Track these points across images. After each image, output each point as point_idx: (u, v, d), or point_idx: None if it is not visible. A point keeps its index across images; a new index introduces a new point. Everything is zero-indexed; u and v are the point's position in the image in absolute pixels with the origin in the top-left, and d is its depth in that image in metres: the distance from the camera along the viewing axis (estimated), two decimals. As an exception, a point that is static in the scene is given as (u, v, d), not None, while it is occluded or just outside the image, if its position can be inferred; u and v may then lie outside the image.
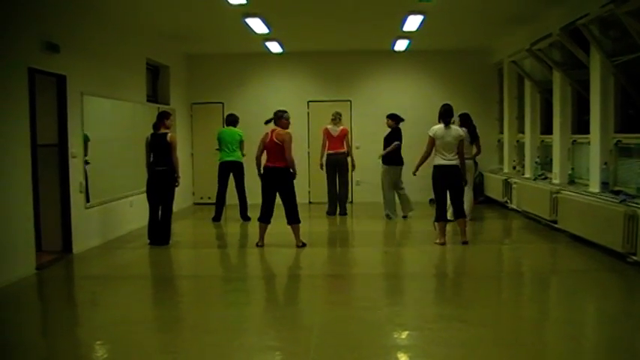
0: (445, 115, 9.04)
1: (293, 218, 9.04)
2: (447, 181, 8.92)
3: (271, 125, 9.09)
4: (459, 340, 5.14)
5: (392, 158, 11.34)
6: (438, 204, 9.07)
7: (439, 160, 8.92)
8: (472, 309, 6.14)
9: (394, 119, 11.62)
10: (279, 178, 8.92)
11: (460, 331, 5.37)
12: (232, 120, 11.85)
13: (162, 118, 9.43)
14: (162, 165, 9.25)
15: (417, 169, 9.29)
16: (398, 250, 9.14)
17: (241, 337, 5.40)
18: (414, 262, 8.51)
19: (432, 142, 8.94)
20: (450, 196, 9.04)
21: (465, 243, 8.96)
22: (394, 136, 11.41)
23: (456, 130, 8.97)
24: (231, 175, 11.66)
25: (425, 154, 9.10)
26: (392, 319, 5.86)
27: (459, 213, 9.03)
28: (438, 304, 6.49)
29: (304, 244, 9.08)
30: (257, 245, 9.10)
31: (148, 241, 9.41)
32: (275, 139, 8.88)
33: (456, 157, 8.90)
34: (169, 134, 9.30)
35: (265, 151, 9.02)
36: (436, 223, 9.09)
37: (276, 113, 9.10)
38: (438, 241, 9.01)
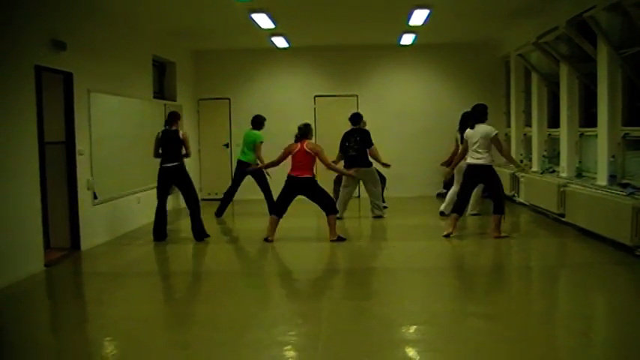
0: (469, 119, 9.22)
1: (331, 209, 9.11)
2: (474, 179, 9.10)
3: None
4: (467, 335, 5.15)
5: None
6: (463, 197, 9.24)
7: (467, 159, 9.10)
8: (480, 303, 6.15)
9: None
10: (305, 187, 9.02)
11: (469, 326, 5.37)
12: (254, 122, 11.67)
13: (176, 119, 9.48)
14: (173, 161, 9.27)
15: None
16: (405, 244, 9.13)
17: (250, 333, 5.40)
18: (421, 256, 8.48)
19: (466, 142, 9.08)
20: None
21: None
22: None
23: (484, 128, 8.91)
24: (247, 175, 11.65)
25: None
26: (401, 314, 5.86)
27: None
28: (446, 299, 6.47)
29: (341, 238, 9.11)
30: (266, 240, 9.12)
31: (152, 237, 9.44)
32: (306, 149, 8.96)
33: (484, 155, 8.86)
34: (181, 131, 9.40)
35: (292, 161, 9.09)
36: (453, 214, 9.16)
37: (305, 128, 9.19)
38: (446, 232, 9.05)
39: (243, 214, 11.66)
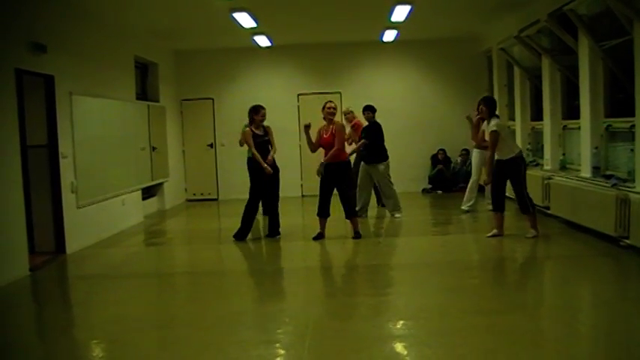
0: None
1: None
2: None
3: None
4: (454, 328, 5.15)
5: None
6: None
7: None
8: (467, 297, 6.15)
9: (373, 111, 11.02)
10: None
11: (456, 319, 5.37)
12: None
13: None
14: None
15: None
16: (392, 240, 9.14)
17: (237, 333, 5.39)
18: (407, 252, 8.51)
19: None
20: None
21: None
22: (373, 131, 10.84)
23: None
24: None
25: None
26: (387, 309, 5.87)
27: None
28: (433, 293, 6.47)
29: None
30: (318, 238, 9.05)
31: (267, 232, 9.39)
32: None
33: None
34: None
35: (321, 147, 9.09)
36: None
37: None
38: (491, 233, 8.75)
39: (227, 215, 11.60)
